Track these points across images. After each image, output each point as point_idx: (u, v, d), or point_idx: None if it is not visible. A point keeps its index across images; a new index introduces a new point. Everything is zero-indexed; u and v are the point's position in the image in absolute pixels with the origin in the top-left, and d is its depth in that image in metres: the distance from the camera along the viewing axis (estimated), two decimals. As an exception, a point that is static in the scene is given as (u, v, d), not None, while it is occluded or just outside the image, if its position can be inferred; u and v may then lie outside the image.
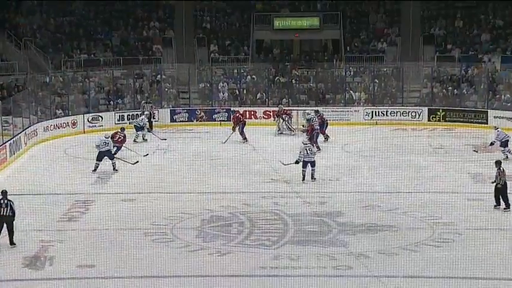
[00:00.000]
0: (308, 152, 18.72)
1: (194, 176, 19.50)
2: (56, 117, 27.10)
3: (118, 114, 28.63)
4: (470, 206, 16.23)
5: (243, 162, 21.21)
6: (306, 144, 19.12)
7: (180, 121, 29.17)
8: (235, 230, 14.76)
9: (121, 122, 28.25)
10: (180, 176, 19.53)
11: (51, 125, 26.24)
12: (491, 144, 21.48)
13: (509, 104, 28.08)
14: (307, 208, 16.28)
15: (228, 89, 31.17)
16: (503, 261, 12.52)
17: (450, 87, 30.20)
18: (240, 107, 29.45)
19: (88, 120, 27.73)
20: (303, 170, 18.68)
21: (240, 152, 22.98)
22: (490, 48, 31.96)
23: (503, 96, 28.79)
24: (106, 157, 19.95)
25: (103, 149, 19.97)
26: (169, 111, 29.27)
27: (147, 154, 21.79)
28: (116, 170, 19.97)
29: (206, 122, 29.08)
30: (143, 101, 28.66)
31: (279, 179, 19.02)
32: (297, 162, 18.85)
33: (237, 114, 25.57)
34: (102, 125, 27.68)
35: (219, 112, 29.44)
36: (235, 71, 31.85)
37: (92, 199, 17.24)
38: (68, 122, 27.11)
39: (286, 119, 26.56)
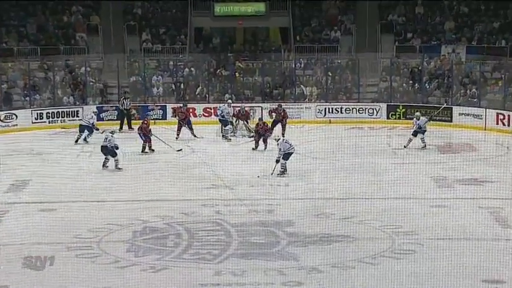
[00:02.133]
0: (289, 144, 20.02)
1: (124, 181, 19.36)
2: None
3: (36, 111, 28.24)
4: (433, 214, 16.50)
5: (180, 166, 21.15)
6: (282, 138, 20.47)
7: (108, 120, 28.87)
8: (172, 243, 14.72)
9: (39, 120, 27.91)
10: (108, 182, 19.37)
11: (-45, 125, 25.83)
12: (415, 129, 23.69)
13: (475, 100, 28.68)
14: (253, 217, 16.32)
15: (163, 83, 31.05)
16: (468, 274, 12.77)
17: (411, 81, 30.73)
18: (177, 102, 29.37)
19: (0, 119, 27.26)
20: (283, 163, 19.76)
21: (177, 154, 22.90)
22: (453, 37, 32.63)
23: (468, 91, 29.38)
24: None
25: (104, 144, 20.66)
26: (95, 108, 28.96)
27: (181, 149, 22.77)
28: (120, 169, 20.44)
29: (138, 121, 28.82)
30: (122, 97, 28.35)
31: (221, 185, 19.04)
32: (277, 161, 19.78)
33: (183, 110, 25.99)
34: (17, 124, 27.31)
35: (152, 109, 29.29)
36: (171, 62, 31.77)
37: (4, 209, 16.93)
38: (-24, 121, 26.69)
39: (244, 119, 26.49)
